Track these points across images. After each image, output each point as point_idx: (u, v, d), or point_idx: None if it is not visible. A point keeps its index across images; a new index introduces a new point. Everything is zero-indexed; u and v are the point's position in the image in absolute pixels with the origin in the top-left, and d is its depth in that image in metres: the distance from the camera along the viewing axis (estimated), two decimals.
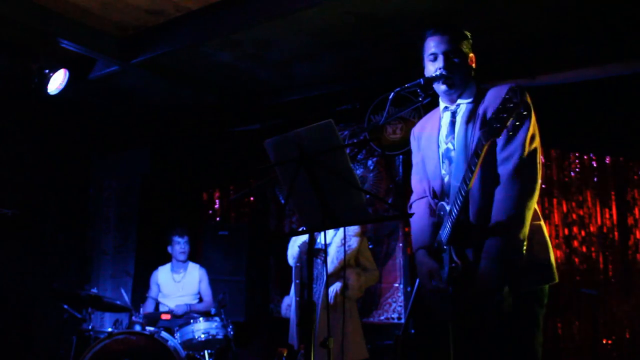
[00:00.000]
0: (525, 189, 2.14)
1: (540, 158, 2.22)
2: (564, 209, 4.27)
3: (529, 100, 2.07)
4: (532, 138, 2.18)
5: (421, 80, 2.31)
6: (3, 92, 5.25)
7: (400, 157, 4.86)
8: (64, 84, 4.73)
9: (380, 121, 2.60)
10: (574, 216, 4.22)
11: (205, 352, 4.46)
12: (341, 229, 3.85)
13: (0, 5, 3.87)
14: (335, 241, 3.95)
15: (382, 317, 4.77)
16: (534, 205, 2.18)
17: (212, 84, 5.24)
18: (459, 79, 2.31)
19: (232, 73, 4.94)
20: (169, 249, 5.24)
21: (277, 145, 2.16)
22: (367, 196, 2.92)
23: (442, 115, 2.45)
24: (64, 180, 6.29)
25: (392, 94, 2.35)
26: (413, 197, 2.63)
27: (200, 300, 5.24)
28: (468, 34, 2.39)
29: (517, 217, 2.12)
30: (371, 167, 5.06)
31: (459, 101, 2.36)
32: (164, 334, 4.25)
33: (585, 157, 4.24)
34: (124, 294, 4.77)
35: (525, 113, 1.95)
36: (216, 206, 6.23)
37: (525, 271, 2.17)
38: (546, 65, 4.14)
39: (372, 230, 4.87)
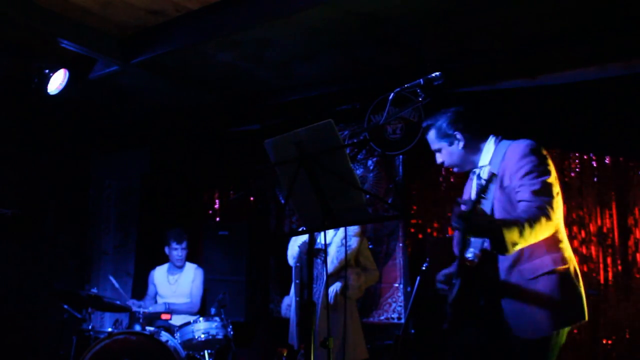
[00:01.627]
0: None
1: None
2: (564, 209, 4.25)
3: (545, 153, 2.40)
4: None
5: (421, 80, 2.32)
6: (3, 92, 5.25)
7: (400, 157, 4.85)
8: (64, 84, 4.72)
9: (381, 121, 2.61)
10: (574, 216, 4.21)
11: (205, 352, 4.45)
12: (341, 229, 3.86)
13: (0, 5, 3.87)
14: (335, 241, 3.95)
15: (382, 317, 4.77)
16: (539, 229, 2.27)
17: (212, 84, 5.24)
18: (459, 163, 2.59)
19: (232, 73, 4.93)
20: (166, 249, 5.20)
21: (277, 145, 2.17)
22: (367, 196, 2.92)
23: (472, 177, 2.67)
24: (64, 180, 6.29)
25: (392, 94, 2.37)
26: None
27: None
28: (452, 114, 2.56)
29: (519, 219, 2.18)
30: (371, 167, 5.06)
31: (480, 164, 2.55)
32: (164, 334, 4.25)
33: (585, 157, 4.22)
34: (114, 281, 4.77)
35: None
36: (216, 206, 6.22)
37: (553, 313, 2.26)
38: (546, 65, 4.14)
39: (372, 230, 4.86)
